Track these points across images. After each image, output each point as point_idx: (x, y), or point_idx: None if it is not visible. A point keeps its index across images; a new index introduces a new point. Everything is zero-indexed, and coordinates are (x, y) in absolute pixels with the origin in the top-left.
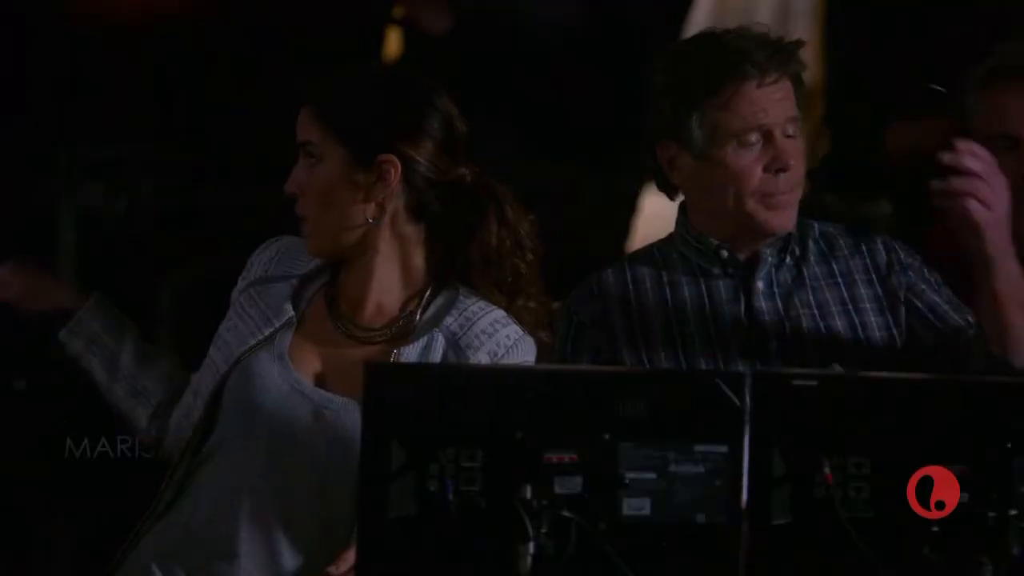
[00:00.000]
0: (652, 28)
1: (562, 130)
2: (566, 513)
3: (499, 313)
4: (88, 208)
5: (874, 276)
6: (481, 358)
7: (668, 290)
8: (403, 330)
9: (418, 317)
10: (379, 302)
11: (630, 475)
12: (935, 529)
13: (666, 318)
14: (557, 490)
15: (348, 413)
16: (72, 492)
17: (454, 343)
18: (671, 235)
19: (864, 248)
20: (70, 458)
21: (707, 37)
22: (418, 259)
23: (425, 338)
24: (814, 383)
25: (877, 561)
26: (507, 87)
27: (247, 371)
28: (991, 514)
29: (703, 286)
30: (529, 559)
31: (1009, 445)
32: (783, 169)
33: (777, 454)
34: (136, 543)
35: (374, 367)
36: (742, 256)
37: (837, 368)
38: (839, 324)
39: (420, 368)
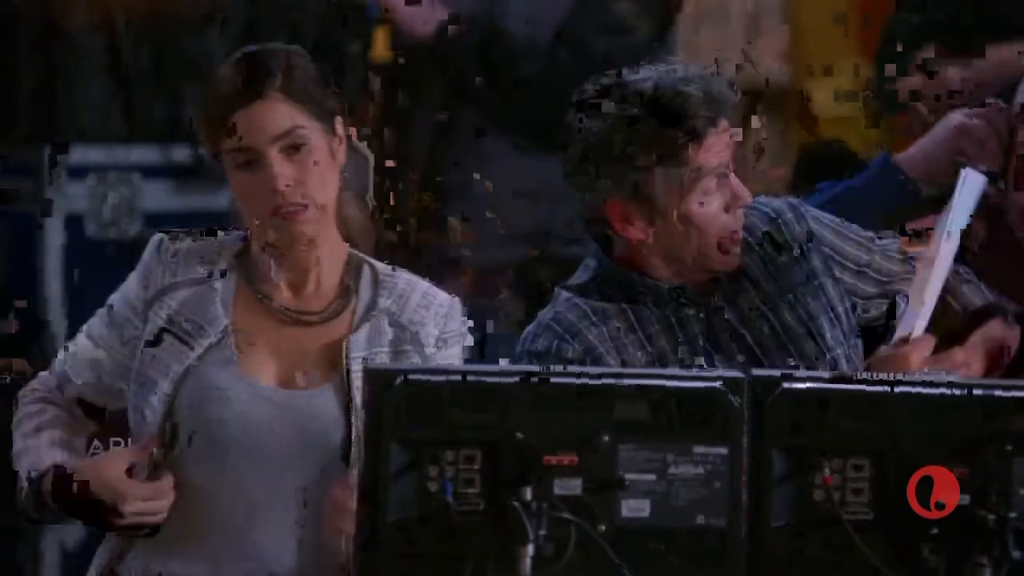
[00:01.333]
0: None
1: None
2: (566, 515)
3: (418, 280)
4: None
5: (796, 253)
6: (431, 331)
7: (640, 333)
8: (342, 307)
9: (354, 292)
10: (320, 280)
11: (629, 477)
12: (935, 531)
13: (647, 356)
14: (556, 492)
15: (313, 402)
16: None
17: (396, 322)
18: (589, 282)
19: (773, 228)
20: None
21: (643, 102)
22: (342, 228)
23: (368, 323)
24: (813, 385)
25: (877, 563)
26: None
27: (199, 387)
28: (991, 516)
29: (671, 318)
30: (528, 561)
31: (1009, 447)
32: (741, 206)
33: (776, 456)
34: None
35: (373, 371)
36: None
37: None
38: (788, 317)
39: (420, 370)
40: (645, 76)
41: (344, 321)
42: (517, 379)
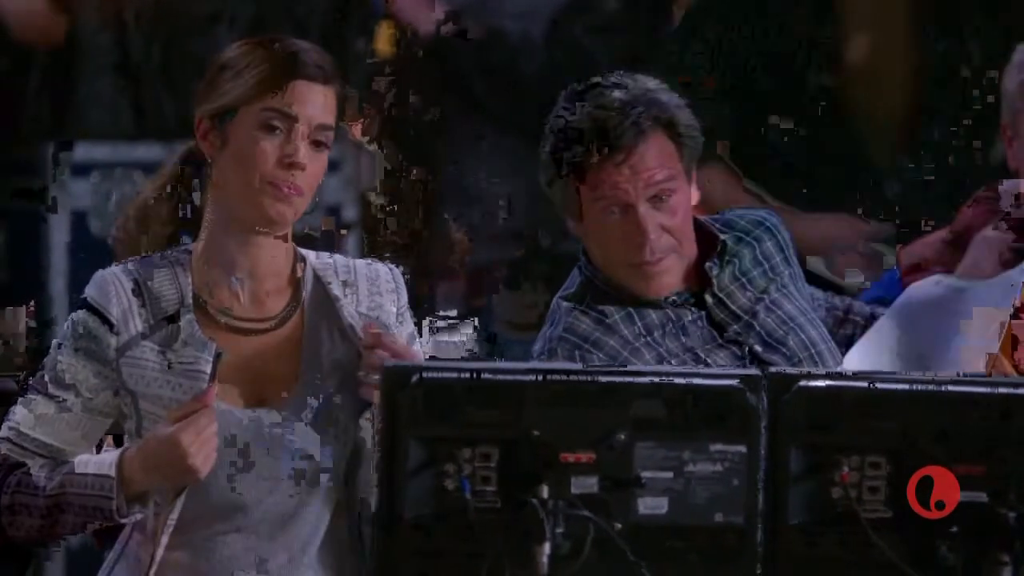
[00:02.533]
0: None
1: None
2: (583, 513)
3: (352, 260)
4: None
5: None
6: (389, 310)
7: (649, 337)
8: (293, 308)
9: (305, 291)
10: (276, 281)
11: (647, 475)
12: (954, 529)
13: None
14: (574, 490)
15: (293, 412)
16: None
17: (354, 313)
18: (582, 288)
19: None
20: None
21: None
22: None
23: (327, 320)
24: (830, 383)
25: (895, 560)
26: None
27: (231, 426)
28: (1011, 514)
29: (672, 319)
30: (545, 559)
31: None
32: (641, 240)
33: (794, 453)
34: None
35: (390, 369)
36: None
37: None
38: (769, 318)
39: (436, 367)
40: (581, 95)
41: (297, 323)
42: (534, 376)
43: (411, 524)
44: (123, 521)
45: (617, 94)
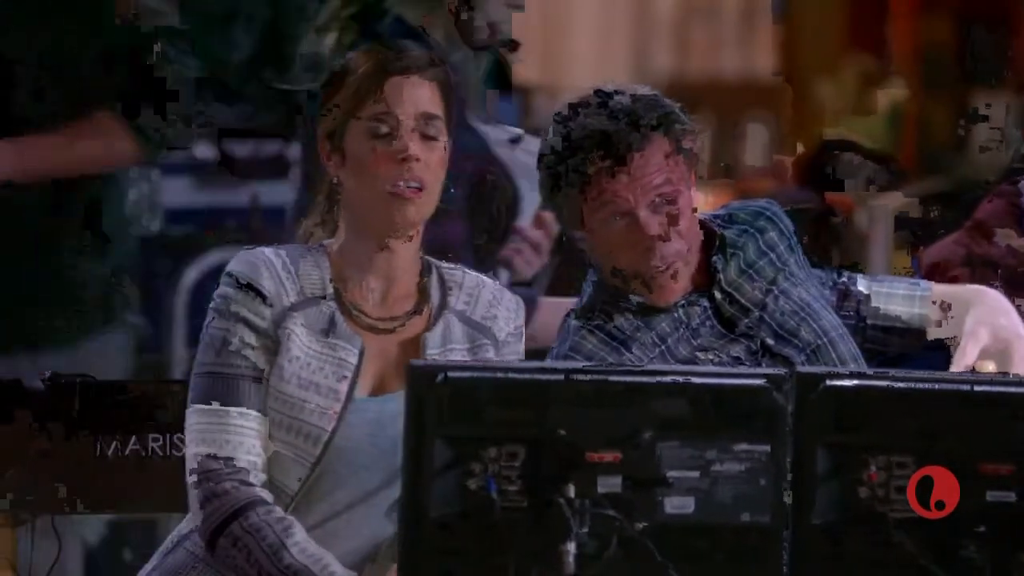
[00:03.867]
0: None
1: None
2: (609, 512)
3: (484, 277)
4: None
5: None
6: (502, 327)
7: (663, 345)
8: (418, 311)
9: (430, 296)
10: (406, 284)
11: (672, 474)
12: (981, 528)
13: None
14: (599, 489)
15: (389, 407)
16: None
17: (468, 320)
18: (590, 303)
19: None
20: (102, 457)
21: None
22: None
23: (442, 322)
24: (856, 382)
25: (922, 560)
26: None
27: (360, 412)
28: None
29: (684, 321)
30: (572, 558)
31: None
32: (647, 241)
33: (820, 453)
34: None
35: (415, 367)
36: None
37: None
38: (781, 305)
39: (462, 367)
40: (583, 102)
41: (419, 324)
42: (559, 376)
43: (437, 523)
44: None
45: (614, 102)
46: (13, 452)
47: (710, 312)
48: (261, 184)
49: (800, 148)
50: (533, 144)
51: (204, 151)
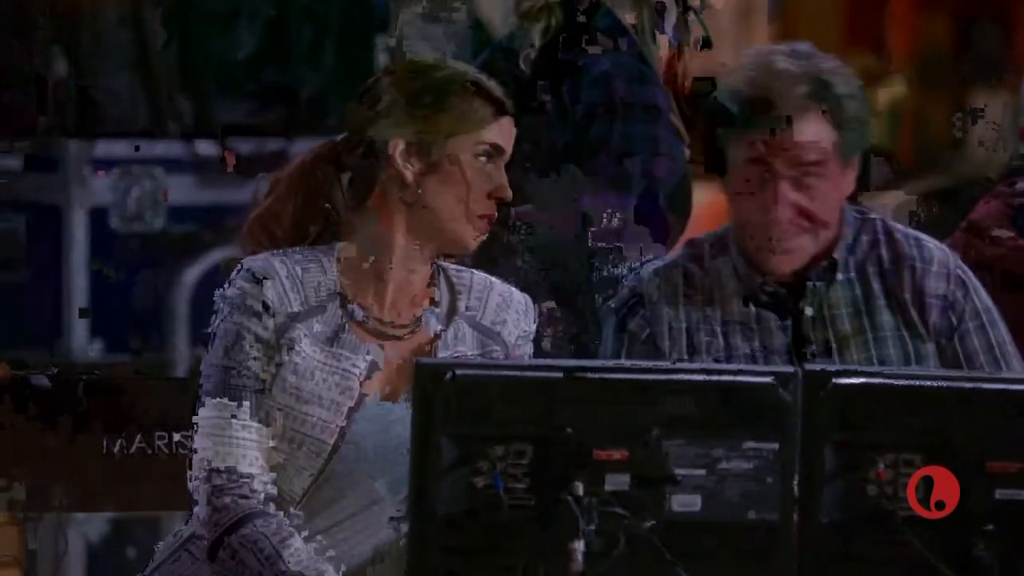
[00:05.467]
0: None
1: None
2: (616, 510)
3: (491, 278)
4: None
5: (929, 301)
6: (511, 330)
7: (719, 307)
8: (429, 313)
9: (439, 301)
10: (416, 290)
11: (680, 472)
12: (989, 527)
13: (713, 341)
14: (607, 487)
15: (399, 412)
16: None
17: (477, 324)
18: (723, 240)
19: (922, 266)
20: (108, 455)
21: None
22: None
23: (452, 328)
24: (865, 379)
25: (931, 559)
26: None
27: (367, 420)
28: None
29: (752, 310)
30: (580, 556)
31: None
32: (775, 210)
33: (828, 451)
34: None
35: (423, 365)
36: (785, 282)
37: None
38: (892, 352)
39: (469, 365)
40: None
41: (428, 330)
42: (566, 374)
43: (444, 521)
44: None
45: (786, 64)
46: (19, 450)
47: (777, 327)
48: (263, 181)
49: None
50: None
51: (207, 149)
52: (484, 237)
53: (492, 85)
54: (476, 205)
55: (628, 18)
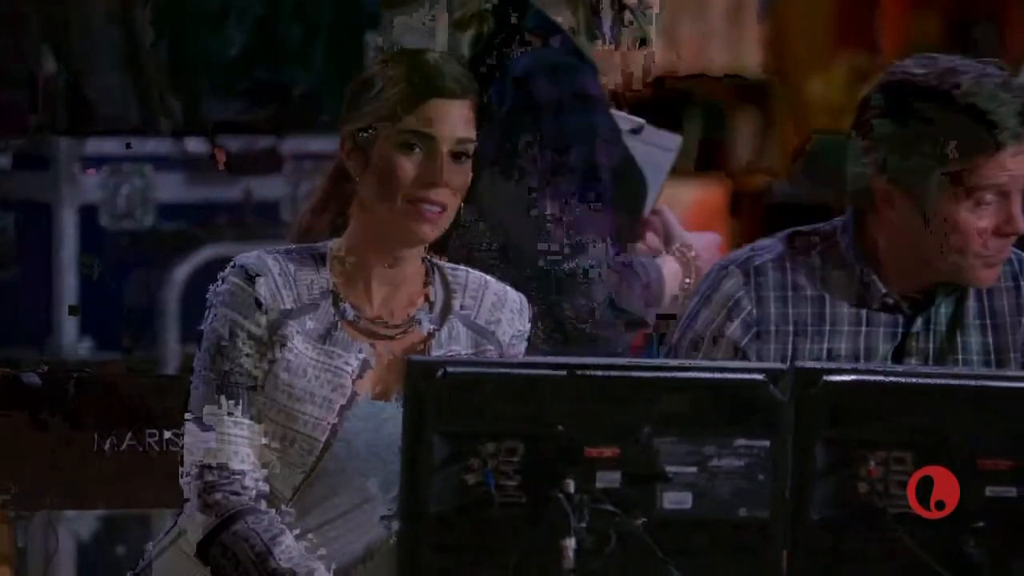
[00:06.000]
0: None
1: None
2: (608, 507)
3: (486, 277)
4: None
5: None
6: (506, 330)
7: (827, 308)
8: (423, 312)
9: (434, 300)
10: (410, 289)
11: (671, 469)
12: (981, 524)
13: (819, 344)
14: (598, 484)
15: (392, 411)
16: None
17: (472, 324)
18: (834, 237)
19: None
20: (99, 452)
21: (952, 96)
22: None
23: (446, 327)
24: (856, 377)
25: (922, 556)
26: None
27: (359, 418)
28: None
29: (862, 314)
30: (571, 553)
31: None
32: (1012, 233)
33: (819, 448)
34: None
35: (414, 363)
36: (907, 295)
37: None
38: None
39: (461, 362)
40: (965, 72)
41: (422, 329)
42: (558, 372)
43: (435, 518)
44: None
45: (1010, 81)
46: (9, 448)
47: (887, 331)
48: (253, 179)
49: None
50: (654, 135)
51: (196, 146)
52: (436, 226)
53: (426, 64)
54: (406, 198)
55: (563, 18)
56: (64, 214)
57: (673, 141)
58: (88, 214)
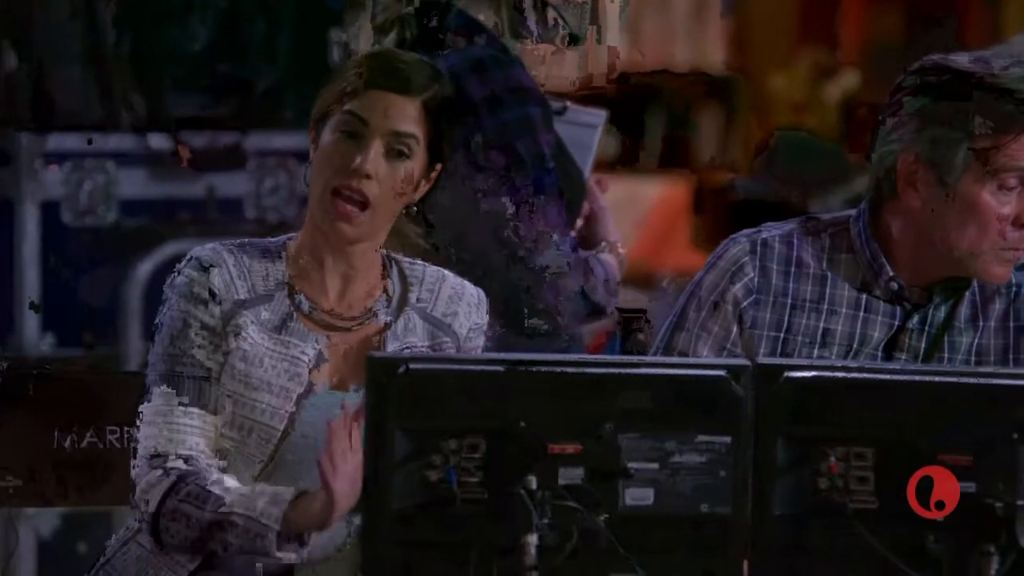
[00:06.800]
0: None
1: None
2: (570, 503)
3: (444, 271)
4: None
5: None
6: (463, 322)
7: (828, 288)
8: (378, 305)
9: (391, 293)
10: (365, 281)
11: (633, 465)
12: (941, 519)
13: (815, 322)
14: (561, 481)
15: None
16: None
17: (428, 316)
18: (846, 225)
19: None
20: (59, 449)
21: (988, 74)
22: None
23: (402, 319)
24: (817, 373)
25: (882, 551)
26: None
27: (316, 408)
28: (998, 504)
29: (863, 299)
30: (533, 550)
31: (1015, 435)
32: None
33: (781, 444)
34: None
35: (375, 359)
36: (910, 287)
37: None
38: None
39: (423, 359)
40: (1001, 58)
41: (378, 321)
42: (520, 368)
43: (398, 515)
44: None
45: None
46: None
47: (884, 321)
48: (217, 175)
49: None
50: (578, 114)
51: (159, 142)
52: (355, 226)
53: (379, 58)
54: (330, 179)
55: (485, 17)
56: (26, 210)
57: (597, 117)
58: (50, 210)
